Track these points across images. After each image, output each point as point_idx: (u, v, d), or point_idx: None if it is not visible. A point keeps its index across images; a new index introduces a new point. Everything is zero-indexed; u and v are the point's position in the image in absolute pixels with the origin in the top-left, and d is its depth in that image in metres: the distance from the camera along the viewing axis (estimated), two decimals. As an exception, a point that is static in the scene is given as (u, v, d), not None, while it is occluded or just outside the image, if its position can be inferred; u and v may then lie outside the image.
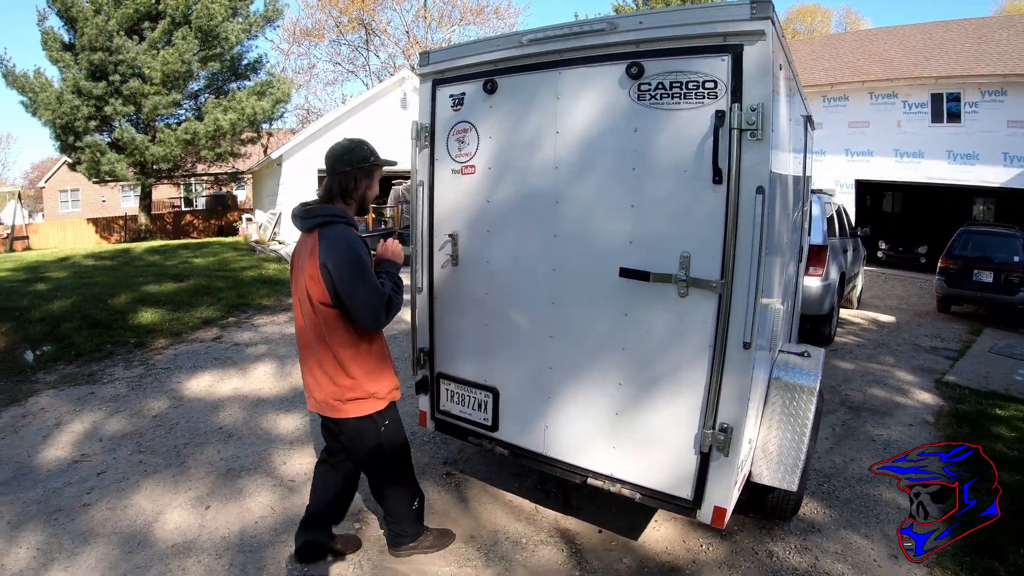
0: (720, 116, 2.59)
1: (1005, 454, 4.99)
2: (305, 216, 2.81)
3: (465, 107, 3.47)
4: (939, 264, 11.98)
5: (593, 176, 3.03)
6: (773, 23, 2.57)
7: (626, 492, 3.05)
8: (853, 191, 18.85)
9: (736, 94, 2.58)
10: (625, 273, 2.92)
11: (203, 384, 5.98)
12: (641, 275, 2.88)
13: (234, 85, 22.73)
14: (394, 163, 2.97)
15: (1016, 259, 11.24)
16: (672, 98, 2.74)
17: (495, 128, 3.36)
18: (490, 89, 3.32)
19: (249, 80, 23.13)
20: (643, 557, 3.48)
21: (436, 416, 3.86)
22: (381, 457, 3.06)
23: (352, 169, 2.85)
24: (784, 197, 3.42)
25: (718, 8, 2.68)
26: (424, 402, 3.92)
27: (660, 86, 2.76)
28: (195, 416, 5.25)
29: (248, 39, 22.32)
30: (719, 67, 2.62)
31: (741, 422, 2.71)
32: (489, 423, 3.57)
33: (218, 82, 22.60)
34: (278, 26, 26.37)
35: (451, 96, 3.51)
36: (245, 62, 23.14)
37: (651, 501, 3.02)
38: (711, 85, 2.64)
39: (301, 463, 4.47)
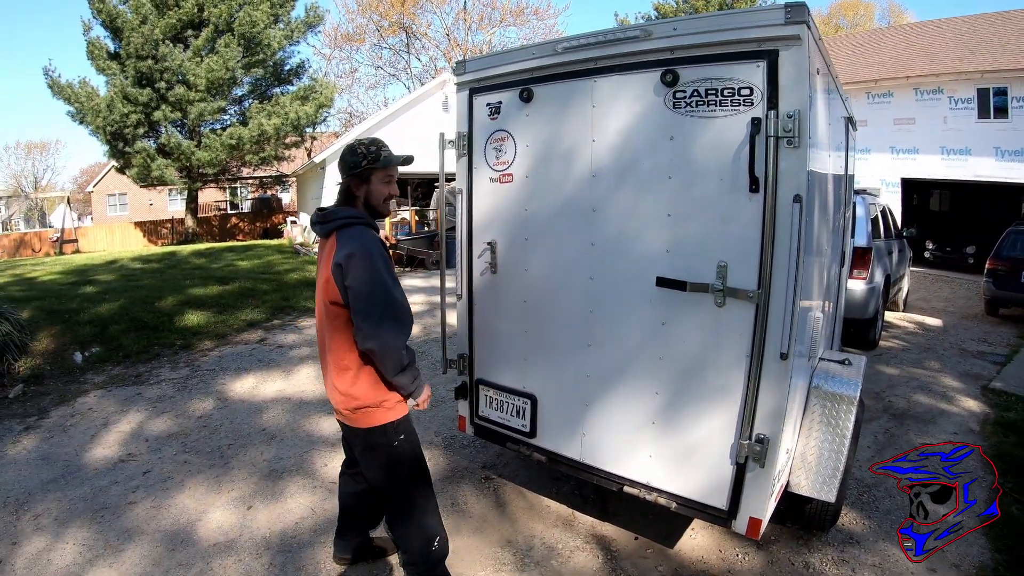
0: (756, 123, 2.56)
1: None
2: (323, 221, 2.74)
3: (502, 116, 3.49)
4: (987, 265, 11.55)
5: (629, 185, 3.02)
6: (809, 27, 2.53)
7: (662, 501, 3.05)
8: (899, 190, 18.43)
9: (772, 101, 2.54)
10: (662, 282, 2.92)
11: (247, 386, 6.12)
12: (678, 284, 2.87)
13: (277, 90, 23.18)
14: (408, 160, 2.81)
15: (1069, 260, 10.76)
16: (707, 105, 2.72)
17: (532, 137, 3.38)
18: (526, 98, 3.33)
19: (292, 85, 23.58)
20: (678, 565, 3.46)
21: (475, 421, 3.89)
22: (391, 477, 2.82)
23: (346, 175, 2.77)
24: (824, 202, 3.38)
25: (753, 13, 2.63)
26: (463, 407, 3.95)
27: (695, 93, 2.74)
28: (239, 417, 5.37)
29: (290, 45, 22.76)
30: (755, 73, 2.59)
31: (777, 433, 2.68)
32: (527, 429, 3.59)
33: (262, 87, 23.07)
34: (319, 31, 26.90)
35: (488, 105, 3.54)
36: (288, 68, 23.60)
37: (686, 510, 3.01)
38: (747, 92, 2.61)
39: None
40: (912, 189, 19.81)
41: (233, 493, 4.14)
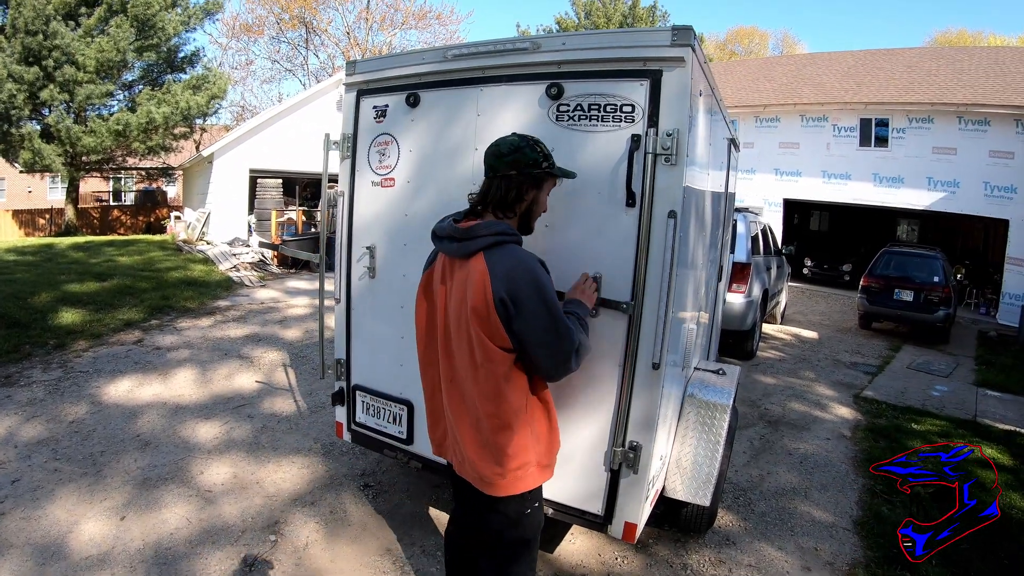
0: (636, 140, 2.64)
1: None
2: (463, 237, 2.21)
3: (388, 119, 3.45)
4: (862, 282, 12.43)
5: None
6: (694, 50, 2.63)
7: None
8: (781, 209, 19.47)
9: (653, 119, 2.63)
10: None
11: (122, 389, 5.79)
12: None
13: (169, 77, 21.96)
14: (573, 175, 2.51)
15: (936, 279, 11.70)
16: (590, 120, 2.77)
17: (416, 142, 3.35)
18: (413, 103, 3.31)
19: (185, 73, 22.42)
20: (558, 570, 3.51)
21: (352, 428, 3.83)
22: (515, 550, 2.43)
23: (518, 174, 2.28)
24: (701, 218, 3.50)
25: (641, 33, 2.75)
26: (341, 413, 3.89)
27: (579, 108, 2.80)
28: (113, 423, 5.08)
29: (186, 31, 21.63)
30: (637, 91, 2.67)
31: (650, 440, 2.77)
32: (404, 436, 3.55)
33: (153, 74, 21.87)
34: (217, 20, 25.77)
35: (375, 107, 3.49)
36: (182, 55, 22.46)
37: (563, 516, 3.06)
38: (628, 109, 2.69)
39: (219, 472, 4.38)
40: (794, 209, 21.07)
41: (106, 503, 3.91)
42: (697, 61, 2.74)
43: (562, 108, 2.84)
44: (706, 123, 3.28)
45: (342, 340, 3.82)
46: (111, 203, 31.33)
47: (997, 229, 17.31)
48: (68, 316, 7.65)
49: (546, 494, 3.04)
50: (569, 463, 2.96)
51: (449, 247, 2.25)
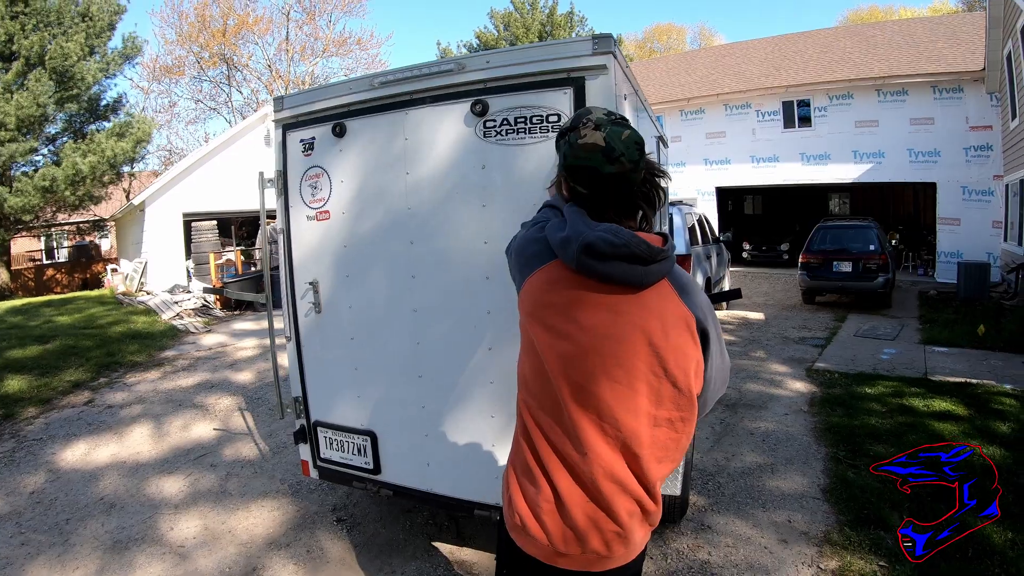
0: None
1: (877, 428, 5.48)
2: (650, 257, 1.58)
3: (316, 152, 3.44)
4: (800, 259, 12.80)
5: (445, 215, 3.10)
6: (615, 56, 2.73)
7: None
8: (715, 198, 20.04)
9: None
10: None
11: (78, 453, 5.63)
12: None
13: (92, 127, 21.40)
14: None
15: (872, 248, 12.12)
16: (517, 133, 2.83)
17: (346, 172, 3.36)
18: (339, 132, 3.31)
19: (108, 121, 21.75)
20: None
21: (318, 464, 3.81)
22: None
23: (652, 174, 1.71)
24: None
25: (563, 45, 2.81)
26: (305, 451, 3.87)
27: (505, 122, 2.86)
28: (74, 489, 4.94)
29: (106, 78, 21.08)
30: (561, 100, 2.73)
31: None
32: (371, 467, 3.55)
33: (76, 124, 21.23)
34: (137, 63, 25.22)
35: (301, 141, 3.48)
36: (104, 102, 21.82)
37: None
38: (555, 119, 2.76)
39: (189, 526, 4.29)
40: (727, 196, 21.71)
41: (79, 572, 3.80)
42: (619, 66, 2.83)
43: (488, 124, 2.89)
44: (634, 124, 3.37)
45: (296, 377, 3.79)
46: (44, 262, 30.24)
47: (927, 193, 18.08)
48: (14, 383, 7.39)
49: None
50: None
51: (632, 273, 1.59)
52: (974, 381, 6.84)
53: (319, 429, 3.73)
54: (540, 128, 2.78)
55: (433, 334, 3.23)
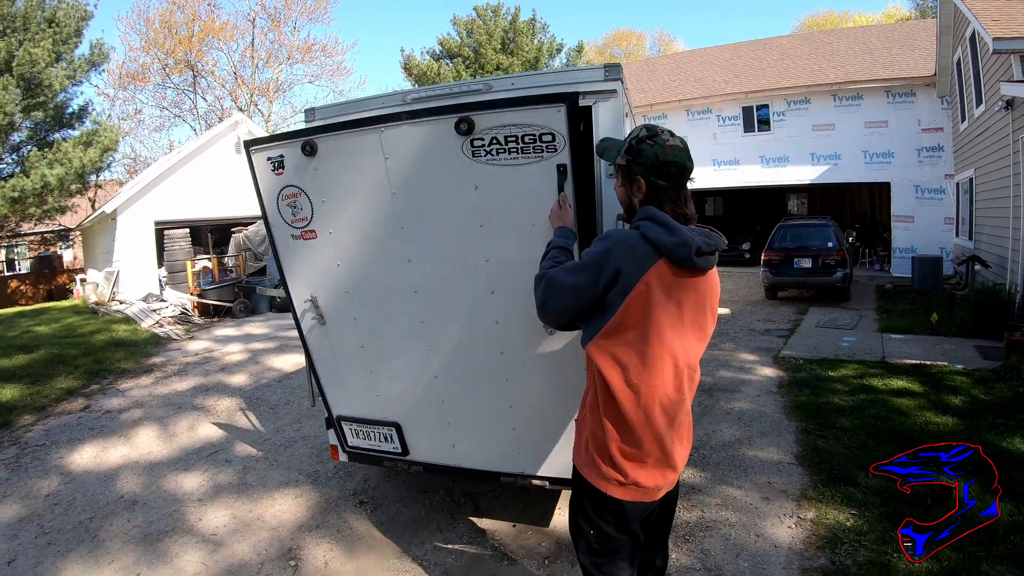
0: (562, 169, 2.72)
1: (841, 404, 6.05)
2: (712, 248, 2.11)
3: (288, 171, 3.27)
4: (763, 257, 13.42)
5: (441, 234, 3.14)
6: (622, 82, 3.12)
7: (536, 483, 3.50)
8: (673, 201, 20.50)
9: (578, 146, 2.71)
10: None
11: (87, 456, 5.78)
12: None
13: (58, 135, 21.07)
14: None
15: (830, 244, 12.76)
16: (509, 153, 2.81)
17: (326, 192, 3.24)
18: (309, 151, 3.13)
19: (74, 129, 21.46)
20: (558, 538, 3.93)
21: (347, 450, 4.04)
22: None
23: (683, 183, 2.19)
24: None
25: (578, 71, 3.21)
26: (333, 437, 4.10)
27: (495, 141, 2.80)
28: (91, 489, 5.09)
29: (73, 85, 20.77)
30: (555, 118, 2.66)
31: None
32: (399, 451, 3.80)
33: (41, 132, 20.89)
34: (103, 70, 24.88)
35: (269, 159, 3.29)
36: (70, 110, 21.46)
37: (559, 485, 3.48)
38: (548, 138, 2.71)
39: (218, 516, 4.50)
40: (688, 197, 22.19)
41: (115, 565, 3.94)
42: (624, 90, 3.21)
43: (477, 143, 2.80)
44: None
45: (313, 380, 3.99)
46: (6, 273, 29.50)
47: (882, 192, 18.91)
48: (5, 392, 7.45)
49: (541, 469, 3.46)
50: (552, 446, 3.38)
51: (701, 261, 2.07)
52: (928, 363, 7.45)
53: (343, 423, 3.93)
54: (534, 148, 2.72)
55: (444, 342, 3.37)
